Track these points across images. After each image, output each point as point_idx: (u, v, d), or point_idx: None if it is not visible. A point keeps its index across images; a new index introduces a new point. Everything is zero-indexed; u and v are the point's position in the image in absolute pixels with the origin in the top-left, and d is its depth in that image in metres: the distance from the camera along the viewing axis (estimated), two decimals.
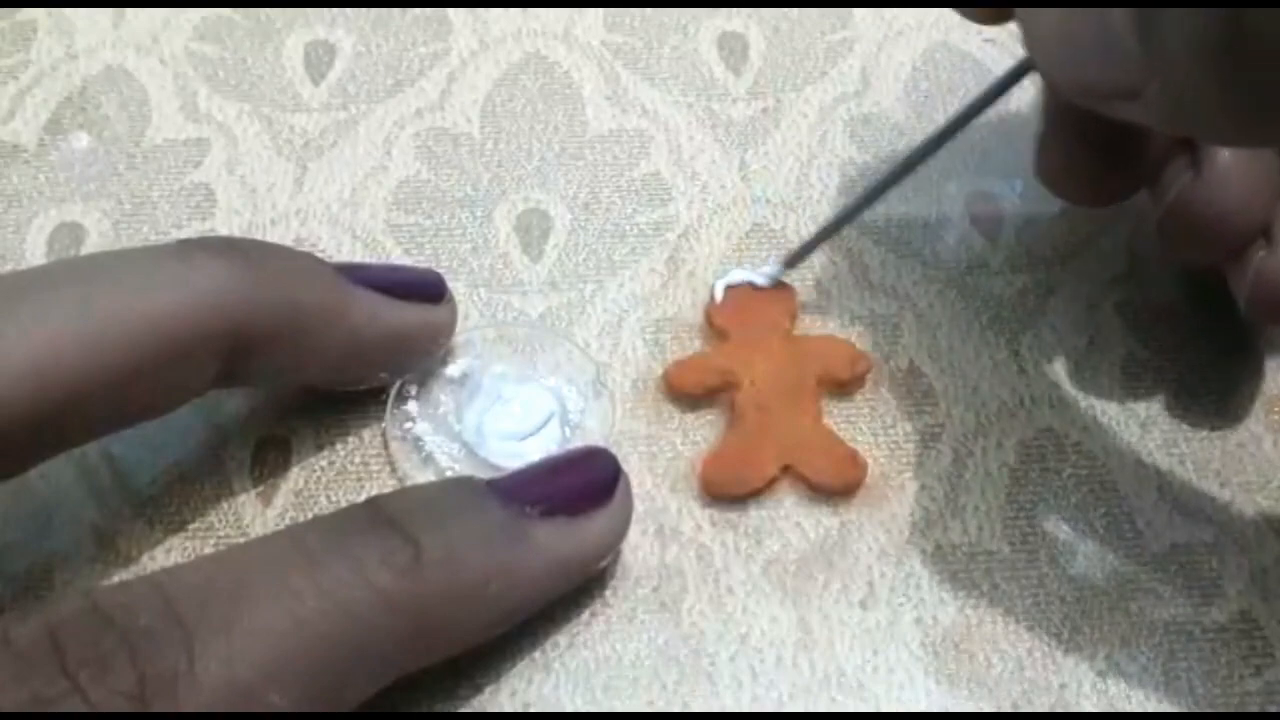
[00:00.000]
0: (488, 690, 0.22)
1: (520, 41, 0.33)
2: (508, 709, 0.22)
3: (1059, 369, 0.26)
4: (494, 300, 0.27)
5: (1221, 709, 0.22)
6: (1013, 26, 0.25)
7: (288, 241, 0.28)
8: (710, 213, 0.29)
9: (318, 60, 0.32)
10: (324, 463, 0.25)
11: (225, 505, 0.24)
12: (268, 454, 0.25)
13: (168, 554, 0.23)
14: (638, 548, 0.24)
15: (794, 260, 0.27)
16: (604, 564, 0.22)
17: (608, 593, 0.23)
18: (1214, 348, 0.27)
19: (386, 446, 0.25)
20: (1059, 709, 0.22)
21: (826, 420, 0.25)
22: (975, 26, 0.33)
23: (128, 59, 0.32)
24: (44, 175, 0.29)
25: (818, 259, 0.28)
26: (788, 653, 0.22)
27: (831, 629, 0.23)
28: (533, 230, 0.29)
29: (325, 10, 0.33)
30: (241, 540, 0.23)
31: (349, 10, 0.33)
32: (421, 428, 0.25)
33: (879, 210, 0.29)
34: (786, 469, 0.24)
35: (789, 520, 0.24)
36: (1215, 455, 0.25)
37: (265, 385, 0.25)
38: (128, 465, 0.24)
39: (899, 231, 0.29)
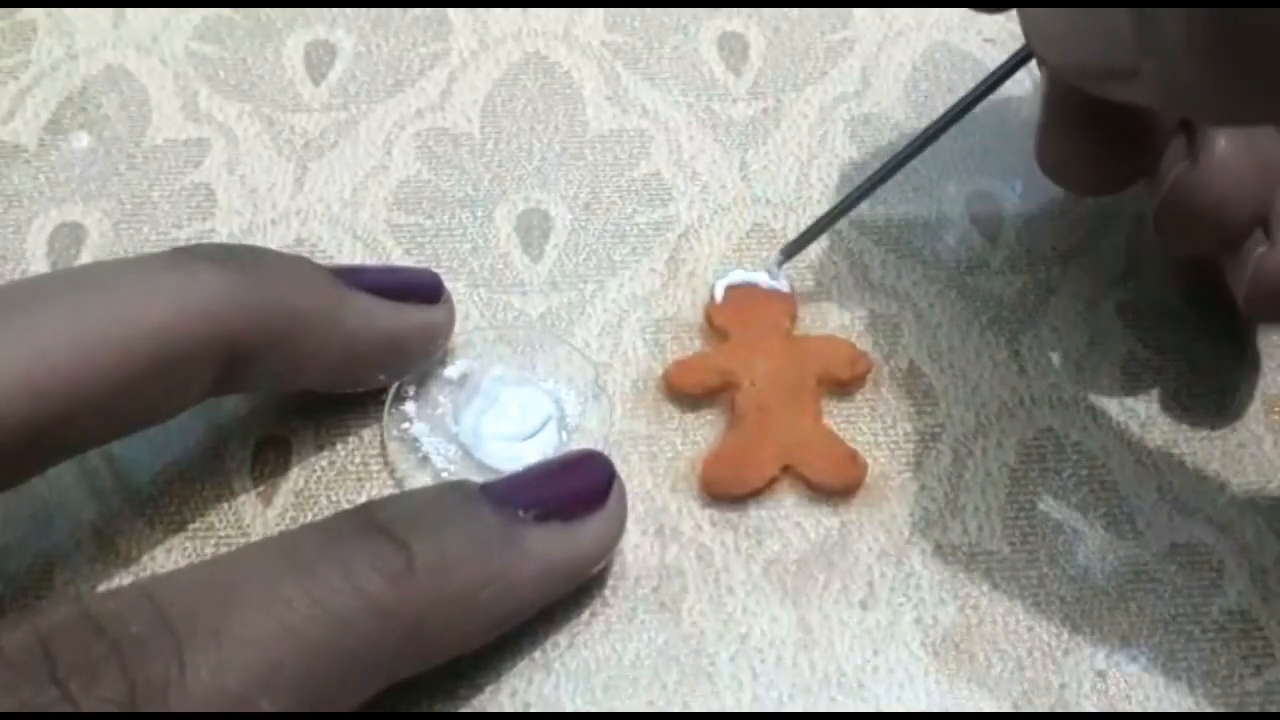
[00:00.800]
0: (488, 690, 0.22)
1: (520, 41, 0.33)
2: (508, 709, 0.22)
3: (1059, 369, 0.26)
4: (494, 300, 0.27)
5: (1221, 709, 0.22)
6: (1012, 25, 0.25)
7: (288, 241, 0.28)
8: (710, 213, 0.29)
9: (318, 60, 0.32)
10: (324, 463, 0.25)
11: (225, 505, 0.24)
12: (268, 454, 0.25)
13: (168, 554, 0.23)
14: (638, 548, 0.24)
15: (793, 250, 0.27)
16: (598, 568, 0.22)
17: (608, 593, 0.23)
18: (1214, 348, 0.27)
19: (384, 447, 0.25)
20: (1059, 709, 0.22)
21: (826, 420, 0.25)
22: (975, 27, 0.33)
23: (128, 59, 0.32)
24: (44, 175, 0.29)
25: (818, 259, 0.28)
26: (788, 653, 0.22)
27: (832, 629, 0.23)
28: (533, 230, 0.29)
29: (325, 10, 0.33)
30: (242, 540, 0.23)
31: (349, 10, 0.33)
32: (419, 428, 0.25)
33: (879, 210, 0.29)
34: (786, 469, 0.24)
35: (789, 520, 0.24)
36: (1215, 455, 0.25)
37: (263, 390, 0.25)
38: (128, 465, 0.24)
39: (899, 231, 0.29)
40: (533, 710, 0.22)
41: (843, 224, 0.29)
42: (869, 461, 0.25)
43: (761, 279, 0.27)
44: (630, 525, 0.24)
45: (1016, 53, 0.23)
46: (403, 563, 0.19)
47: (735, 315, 0.26)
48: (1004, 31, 0.32)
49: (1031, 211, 0.29)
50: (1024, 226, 0.29)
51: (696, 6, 0.33)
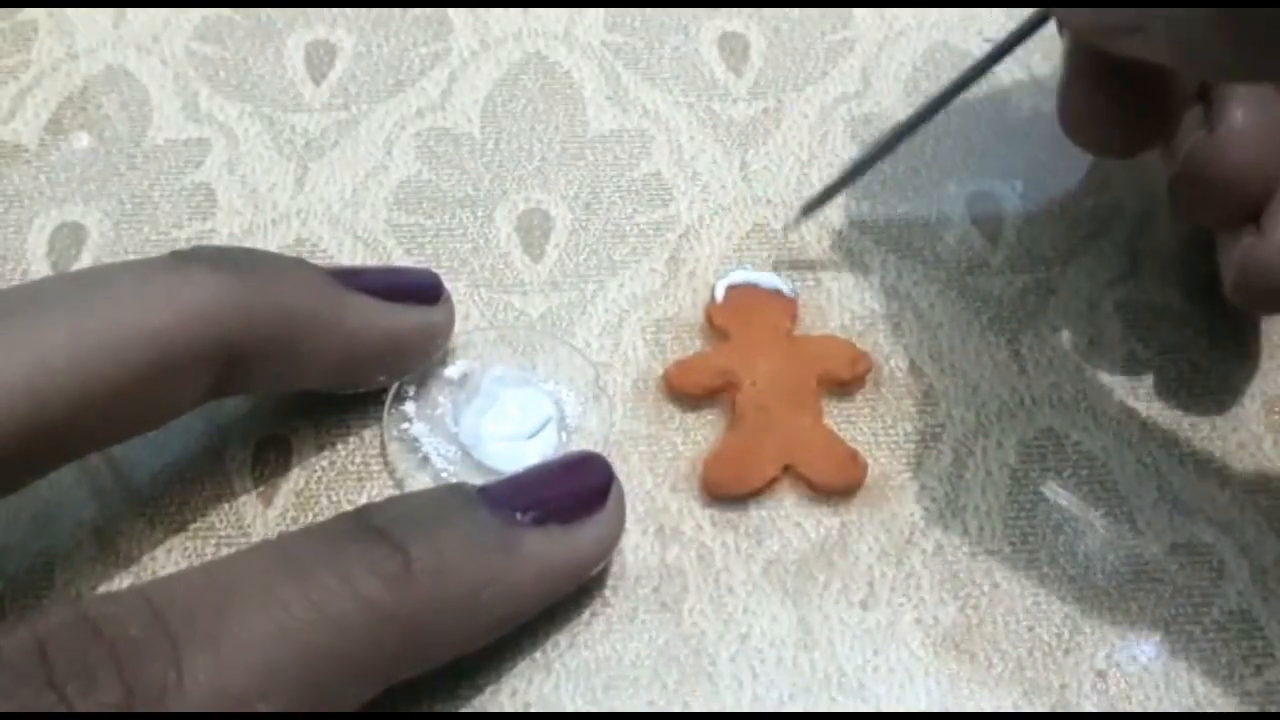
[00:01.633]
0: (488, 690, 0.22)
1: (521, 41, 0.33)
2: (508, 709, 0.22)
3: (1059, 369, 0.26)
4: (495, 300, 0.27)
5: (1221, 709, 0.22)
6: (1013, 25, 0.25)
7: (289, 241, 0.28)
8: (711, 213, 0.29)
9: (319, 60, 0.32)
10: (325, 463, 0.25)
11: (226, 505, 0.24)
12: (268, 454, 0.25)
13: (168, 554, 0.23)
14: (638, 548, 0.24)
15: (811, 207, 0.27)
16: (596, 571, 0.22)
17: (608, 593, 0.23)
18: (1214, 348, 0.27)
19: (384, 447, 0.25)
20: (1059, 709, 0.22)
21: (827, 420, 0.25)
22: (975, 26, 0.33)
23: (128, 59, 0.32)
24: (45, 175, 0.29)
25: (818, 259, 0.28)
26: (788, 653, 0.22)
27: (832, 629, 0.23)
28: (534, 230, 0.29)
29: (326, 10, 0.33)
30: (242, 540, 0.24)
31: (350, 10, 0.33)
32: (419, 428, 0.25)
33: (879, 210, 0.29)
34: (787, 469, 0.24)
35: (789, 520, 0.24)
36: (1215, 455, 0.25)
37: (261, 393, 0.25)
38: (128, 465, 0.24)
39: (899, 231, 0.29)
40: (533, 710, 0.22)
41: (843, 224, 0.29)
42: (869, 461, 0.25)
43: (762, 279, 0.27)
44: (631, 525, 0.24)
45: (1035, 13, 0.24)
46: (400, 566, 0.19)
47: (735, 315, 0.26)
48: (1004, 31, 0.32)
49: (1032, 211, 0.29)
50: (1024, 226, 0.29)
51: (697, 6, 0.33)
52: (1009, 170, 0.30)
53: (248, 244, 0.28)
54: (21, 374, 0.18)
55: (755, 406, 0.25)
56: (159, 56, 0.32)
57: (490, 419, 0.25)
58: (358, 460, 0.25)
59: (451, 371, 0.26)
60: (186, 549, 0.23)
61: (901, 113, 0.31)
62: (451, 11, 0.33)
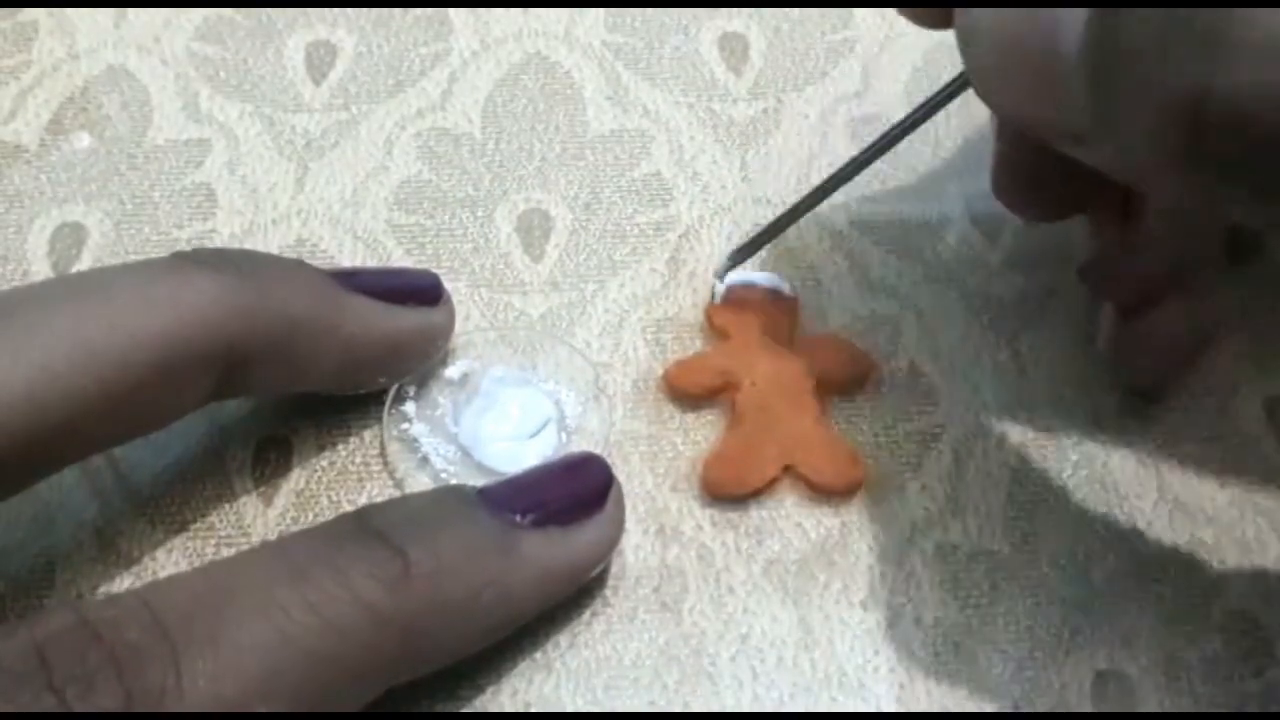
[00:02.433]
0: (489, 690, 0.22)
1: (521, 42, 0.33)
2: (509, 709, 0.22)
3: (1060, 369, 0.26)
4: (495, 300, 0.27)
5: (1222, 709, 0.22)
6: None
7: (289, 242, 0.28)
8: (711, 213, 0.29)
9: (319, 60, 0.32)
10: (325, 463, 0.25)
11: (227, 505, 0.24)
12: (269, 454, 0.25)
13: (169, 554, 0.23)
14: (639, 548, 0.24)
15: (739, 257, 0.27)
16: (596, 571, 0.22)
17: (608, 593, 0.23)
18: (1214, 348, 0.27)
19: (384, 447, 0.25)
20: (1059, 709, 0.22)
21: (827, 420, 0.25)
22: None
23: (129, 59, 0.32)
24: (45, 175, 0.29)
25: (818, 259, 0.28)
26: (788, 652, 0.22)
27: (832, 629, 0.23)
28: (534, 230, 0.29)
29: (326, 10, 0.33)
30: (243, 540, 0.24)
31: (350, 10, 0.33)
32: (418, 429, 0.25)
33: (879, 210, 0.29)
34: (787, 469, 0.24)
35: (790, 520, 0.24)
36: (1215, 455, 0.25)
37: (262, 395, 0.25)
38: (129, 465, 0.24)
39: (899, 231, 0.29)
40: (533, 710, 0.22)
41: (843, 224, 0.29)
42: (869, 461, 0.25)
43: (762, 279, 0.27)
44: (631, 525, 0.24)
45: (956, 77, 0.23)
46: (399, 569, 0.19)
47: (735, 315, 0.27)
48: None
49: None
50: (1025, 227, 0.29)
51: (697, 6, 0.33)
52: None
53: (248, 244, 0.28)
54: (22, 377, 0.18)
55: (755, 406, 0.25)
56: (159, 56, 0.32)
57: (490, 419, 0.25)
58: (358, 460, 0.25)
59: (451, 372, 0.26)
60: (187, 549, 0.23)
61: (902, 113, 0.31)
62: (452, 11, 0.33)
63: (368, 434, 0.25)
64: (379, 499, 0.24)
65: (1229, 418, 0.26)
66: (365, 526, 0.19)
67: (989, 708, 0.22)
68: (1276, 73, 0.14)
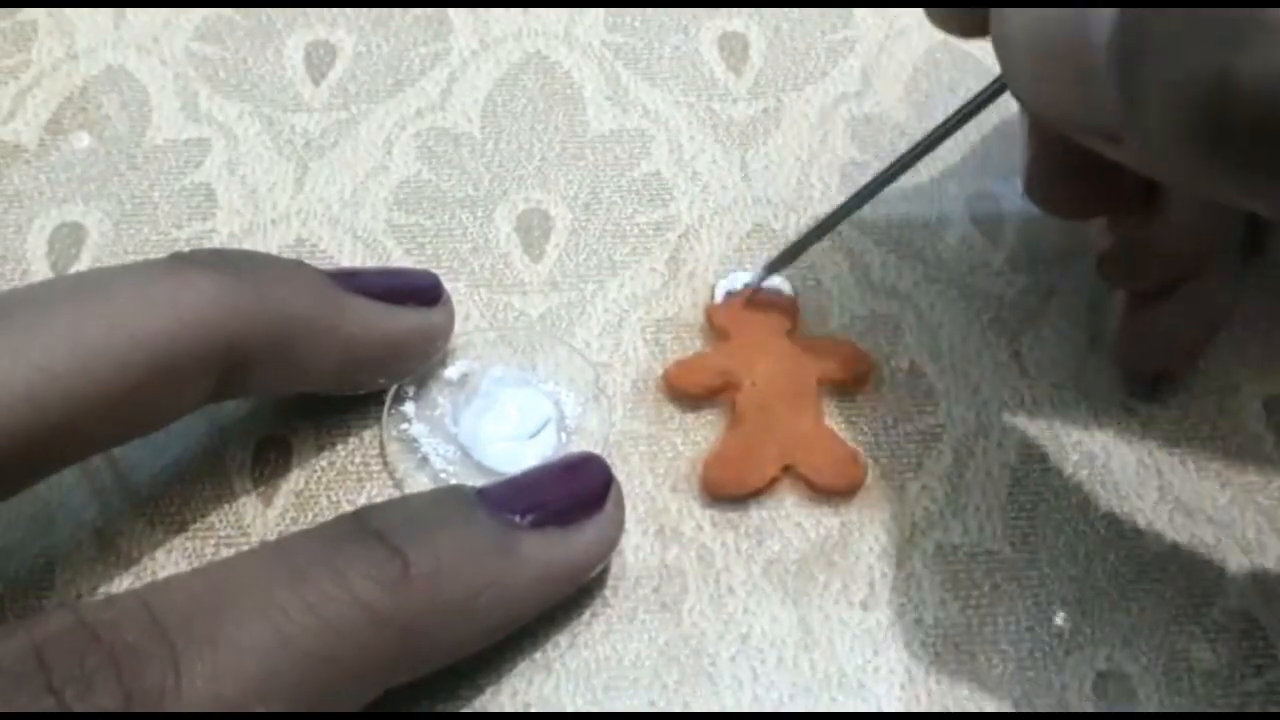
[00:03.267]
0: (489, 690, 0.22)
1: (521, 41, 0.33)
2: (509, 709, 0.22)
3: (1060, 369, 0.26)
4: (495, 300, 0.27)
5: (1222, 709, 0.22)
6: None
7: (289, 242, 0.28)
8: (711, 213, 0.29)
9: (318, 60, 0.32)
10: (324, 463, 0.25)
11: (226, 506, 0.24)
12: (268, 454, 0.25)
13: (168, 554, 0.23)
14: (638, 548, 0.24)
15: (779, 264, 0.27)
16: (596, 572, 0.22)
17: (608, 593, 0.23)
18: (1214, 347, 0.27)
19: (383, 447, 0.25)
20: (1059, 709, 0.22)
21: (827, 420, 0.25)
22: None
23: (128, 59, 0.32)
24: (45, 175, 0.29)
25: (818, 259, 0.28)
26: (788, 653, 0.22)
27: (832, 629, 0.23)
28: (533, 230, 0.29)
29: (326, 10, 0.33)
30: (242, 540, 0.24)
31: (349, 10, 0.33)
32: (418, 429, 0.25)
33: (879, 210, 0.29)
34: (787, 469, 0.24)
35: (790, 520, 0.24)
36: (1215, 455, 0.25)
37: (261, 396, 0.25)
38: (129, 465, 0.24)
39: (900, 231, 0.29)
40: (533, 710, 0.22)
41: (843, 224, 0.29)
42: (869, 461, 0.25)
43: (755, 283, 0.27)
44: (631, 525, 0.24)
45: (994, 81, 0.23)
46: (398, 570, 0.19)
47: (735, 315, 0.26)
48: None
49: (1032, 211, 0.29)
50: (1025, 226, 0.29)
51: (697, 6, 0.33)
52: (1009, 170, 0.30)
53: (248, 244, 0.28)
54: (22, 378, 0.18)
55: (755, 406, 0.25)
56: (159, 56, 0.32)
57: (490, 420, 0.25)
58: (357, 460, 0.25)
59: (451, 372, 0.26)
60: (186, 549, 0.23)
61: (902, 113, 0.31)
62: (451, 11, 0.33)
63: (367, 434, 0.25)
64: (378, 499, 0.24)
65: (1229, 418, 0.26)
66: (364, 527, 0.19)
67: (989, 708, 0.22)
68: None
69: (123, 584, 0.23)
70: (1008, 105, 0.31)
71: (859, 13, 0.33)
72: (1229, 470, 0.25)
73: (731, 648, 0.22)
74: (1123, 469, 0.25)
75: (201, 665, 0.17)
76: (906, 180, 0.30)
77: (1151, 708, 0.22)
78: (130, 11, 0.33)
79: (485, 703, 0.22)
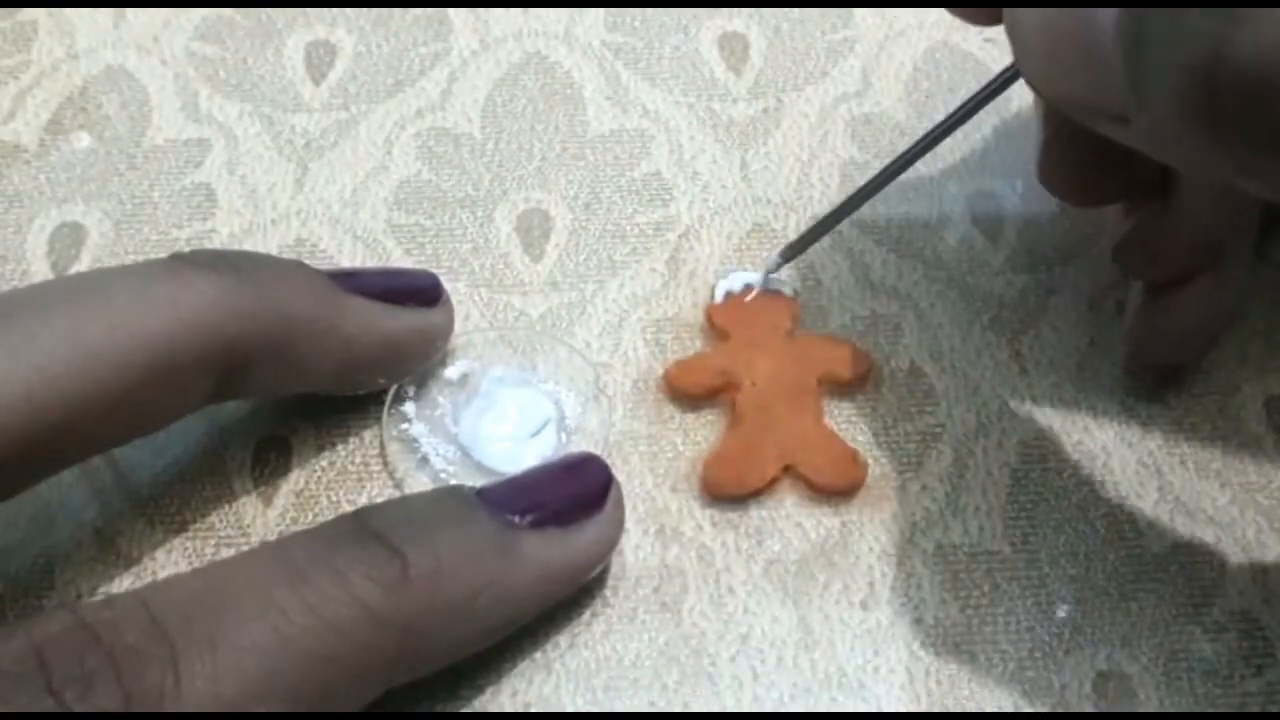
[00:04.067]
0: (489, 690, 0.22)
1: (521, 41, 0.33)
2: (509, 709, 0.22)
3: (1060, 369, 0.26)
4: (495, 300, 0.27)
5: (1222, 709, 0.22)
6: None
7: (288, 242, 0.28)
8: (711, 213, 0.29)
9: (318, 60, 0.32)
10: (324, 463, 0.25)
11: (226, 505, 0.24)
12: (268, 454, 0.25)
13: (168, 554, 0.23)
14: (639, 548, 0.24)
15: (791, 253, 0.27)
16: (595, 572, 0.22)
17: (608, 593, 0.23)
18: (1214, 348, 0.27)
19: (383, 447, 0.25)
20: (1059, 709, 0.22)
21: (827, 420, 0.25)
22: (976, 26, 0.33)
23: (128, 59, 0.32)
24: (45, 175, 0.29)
25: (818, 259, 0.28)
26: (788, 653, 0.22)
27: (832, 629, 0.23)
28: (534, 230, 0.29)
29: (326, 10, 0.33)
30: (242, 540, 0.24)
31: (349, 10, 0.33)
32: (418, 429, 0.25)
33: (879, 210, 0.29)
34: (787, 469, 0.24)
35: (790, 520, 0.24)
36: (1215, 455, 0.25)
37: (261, 396, 0.25)
38: (129, 465, 0.24)
39: (900, 231, 0.29)
40: (533, 710, 0.22)
41: (843, 224, 0.29)
42: (870, 461, 0.25)
43: (762, 279, 0.27)
44: (631, 525, 0.24)
45: (1007, 68, 0.23)
46: (398, 570, 0.19)
47: (736, 315, 0.26)
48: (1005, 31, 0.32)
49: (1032, 211, 0.29)
50: (1025, 226, 0.29)
51: (697, 6, 0.33)
52: (1009, 170, 0.30)
53: (247, 244, 0.28)
54: (21, 379, 0.18)
55: (755, 406, 0.25)
56: (159, 56, 0.32)
57: (490, 420, 0.25)
58: (358, 460, 0.25)
59: (451, 372, 0.26)
60: (186, 549, 0.23)
61: (902, 112, 0.31)
62: (451, 11, 0.33)
63: (367, 434, 0.25)
64: (378, 499, 0.24)
65: (1229, 418, 0.26)
66: (364, 527, 0.19)
67: (989, 707, 0.22)
68: None
69: (123, 584, 0.23)
70: (1008, 105, 0.31)
71: (859, 13, 0.34)
72: (1229, 470, 0.25)
73: (731, 648, 0.22)
74: (1123, 469, 0.25)
75: (201, 665, 0.17)
76: (906, 180, 0.30)
77: (1151, 707, 0.22)
78: (130, 11, 0.33)
79: (485, 703, 0.22)
